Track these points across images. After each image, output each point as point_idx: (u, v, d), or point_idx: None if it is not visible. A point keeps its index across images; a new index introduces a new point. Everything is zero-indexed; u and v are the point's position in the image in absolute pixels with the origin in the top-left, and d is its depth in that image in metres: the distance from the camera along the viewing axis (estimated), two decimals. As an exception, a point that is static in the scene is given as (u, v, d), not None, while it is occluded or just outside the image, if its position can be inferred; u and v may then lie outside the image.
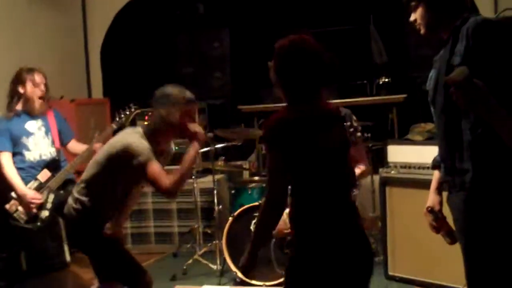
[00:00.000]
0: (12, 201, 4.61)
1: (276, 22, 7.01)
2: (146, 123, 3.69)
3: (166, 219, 6.08)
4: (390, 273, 4.67)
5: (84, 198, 3.42)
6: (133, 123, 5.85)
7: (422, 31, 2.59)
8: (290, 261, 2.53)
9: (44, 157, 4.70)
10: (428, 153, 4.31)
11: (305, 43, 2.51)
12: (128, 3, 7.09)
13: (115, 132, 4.19)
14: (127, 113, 4.63)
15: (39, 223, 4.63)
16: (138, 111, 4.78)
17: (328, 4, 6.89)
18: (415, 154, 4.47)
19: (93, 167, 3.42)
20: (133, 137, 3.31)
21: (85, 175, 3.47)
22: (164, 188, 3.28)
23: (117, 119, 4.58)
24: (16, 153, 4.66)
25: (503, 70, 2.22)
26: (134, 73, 7.05)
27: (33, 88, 4.67)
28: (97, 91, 7.31)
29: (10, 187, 4.59)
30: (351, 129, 3.20)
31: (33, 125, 4.70)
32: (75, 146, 4.87)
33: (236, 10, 7.15)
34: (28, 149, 4.66)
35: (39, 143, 4.70)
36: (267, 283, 4.68)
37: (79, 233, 3.52)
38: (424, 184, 4.16)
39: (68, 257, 5.75)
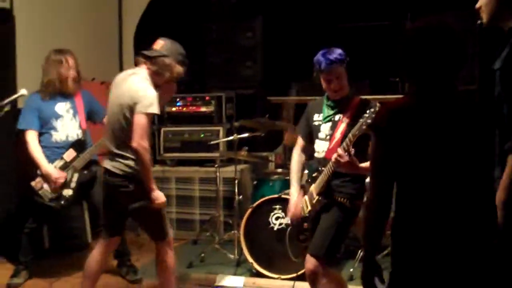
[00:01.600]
0: (38, 179, 4.71)
1: (310, 13, 6.96)
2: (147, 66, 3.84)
3: (188, 206, 6.11)
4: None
5: None
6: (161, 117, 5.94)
7: (484, 20, 2.54)
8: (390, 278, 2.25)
9: (70, 138, 4.79)
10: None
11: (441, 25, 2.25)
12: (163, -10, 7.11)
13: None
14: None
15: (62, 202, 4.70)
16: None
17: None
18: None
19: None
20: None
21: None
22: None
23: None
24: (44, 133, 4.75)
25: None
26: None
27: (65, 70, 4.74)
28: (128, 75, 7.34)
29: (36, 165, 4.67)
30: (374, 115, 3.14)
31: (62, 107, 4.79)
32: None
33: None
34: (56, 130, 4.75)
35: (67, 124, 4.79)
36: (283, 276, 4.67)
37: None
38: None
39: (89, 238, 5.85)
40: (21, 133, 4.77)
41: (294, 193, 3.69)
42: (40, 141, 4.73)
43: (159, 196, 3.79)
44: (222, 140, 5.76)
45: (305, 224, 3.60)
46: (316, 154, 3.60)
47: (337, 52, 3.45)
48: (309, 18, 7.00)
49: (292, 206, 3.67)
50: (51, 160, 4.70)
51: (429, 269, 2.10)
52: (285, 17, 7.08)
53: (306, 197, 3.60)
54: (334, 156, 3.26)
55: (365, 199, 3.42)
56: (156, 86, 3.77)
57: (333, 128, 3.51)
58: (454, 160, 2.13)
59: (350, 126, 3.36)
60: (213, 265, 5.15)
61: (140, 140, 3.61)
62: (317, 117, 3.61)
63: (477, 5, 2.60)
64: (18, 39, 5.65)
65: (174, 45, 3.87)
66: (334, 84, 3.47)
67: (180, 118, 6.30)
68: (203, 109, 6.25)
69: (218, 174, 5.61)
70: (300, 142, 3.77)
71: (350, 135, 3.22)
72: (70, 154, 4.75)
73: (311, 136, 3.66)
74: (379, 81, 6.50)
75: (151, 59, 3.78)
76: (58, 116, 4.76)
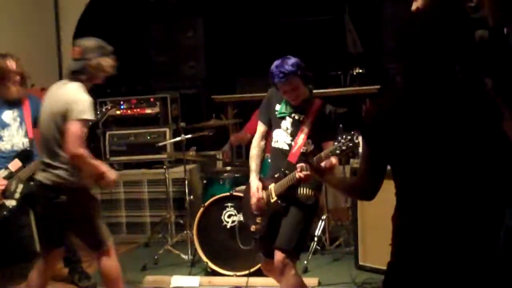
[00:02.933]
0: None
1: (250, 11, 6.99)
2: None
3: (137, 208, 6.05)
4: (361, 263, 4.70)
5: None
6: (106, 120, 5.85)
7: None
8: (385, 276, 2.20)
9: (16, 148, 4.65)
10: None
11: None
12: (100, -8, 7.00)
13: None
14: (103, 110, 4.66)
15: (5, 212, 4.56)
16: (114, 107, 4.79)
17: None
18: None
19: None
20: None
21: None
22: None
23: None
24: None
25: None
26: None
27: (7, 75, 4.59)
28: (69, 80, 7.21)
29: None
30: (351, 144, 3.14)
31: (9, 116, 4.66)
32: None
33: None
34: (1, 140, 4.62)
35: (13, 134, 4.66)
36: (238, 273, 4.68)
37: None
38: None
39: (38, 247, 5.70)
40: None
41: (254, 180, 3.67)
42: None
43: (111, 174, 3.73)
44: (171, 141, 5.71)
45: (259, 219, 3.62)
46: (273, 144, 3.63)
47: (289, 63, 3.41)
48: (249, 15, 7.03)
49: (255, 192, 3.63)
50: None
51: (425, 268, 2.01)
52: (225, 15, 7.09)
53: (264, 193, 3.61)
54: (300, 175, 3.26)
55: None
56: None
57: (294, 126, 3.54)
58: (454, 159, 1.94)
59: (312, 132, 3.45)
60: (167, 266, 5.12)
61: (73, 149, 3.50)
62: (277, 107, 3.62)
63: (290, 94, 2.83)
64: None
65: (90, 42, 3.74)
66: (290, 94, 3.48)
67: (125, 121, 6.23)
68: (148, 111, 6.19)
69: (167, 175, 5.57)
70: (261, 128, 3.75)
71: (322, 155, 3.17)
72: (15, 164, 4.62)
73: (270, 123, 3.69)
74: (321, 75, 6.58)
75: (81, 72, 3.65)
76: (4, 125, 4.63)
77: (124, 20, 7.10)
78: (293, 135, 3.54)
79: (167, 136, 6.03)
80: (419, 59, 1.99)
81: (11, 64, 4.60)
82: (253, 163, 3.70)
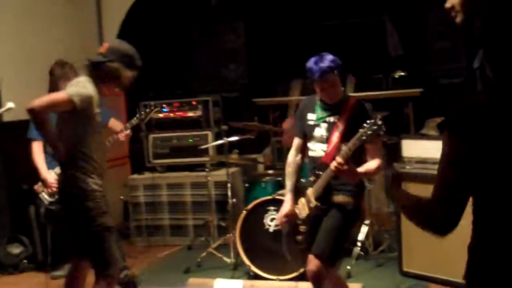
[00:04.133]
0: (40, 183, 4.83)
1: (291, 14, 6.98)
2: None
3: (180, 211, 6.10)
4: (405, 269, 4.65)
5: None
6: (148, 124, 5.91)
7: (459, 19, 2.37)
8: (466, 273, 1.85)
9: None
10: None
11: None
12: (143, -5, 7.09)
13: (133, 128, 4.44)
14: (146, 111, 4.70)
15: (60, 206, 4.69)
16: (157, 109, 4.83)
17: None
18: (430, 149, 4.44)
19: None
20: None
21: None
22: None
23: (138, 115, 4.66)
24: None
25: None
26: (149, 65, 7.04)
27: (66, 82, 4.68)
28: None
29: (29, 178, 4.76)
30: (375, 127, 3.12)
31: None
32: (114, 124, 4.78)
33: (251, 1, 7.11)
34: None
35: None
36: (281, 277, 4.68)
37: None
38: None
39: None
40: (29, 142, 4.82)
41: (287, 202, 3.65)
42: (46, 147, 4.78)
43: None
44: (213, 144, 5.74)
45: (302, 227, 3.60)
46: (311, 153, 3.60)
47: (328, 59, 3.38)
48: (290, 18, 7.03)
49: (284, 210, 3.63)
50: (52, 166, 4.73)
51: None
52: (266, 19, 7.09)
53: (304, 199, 3.59)
54: (334, 164, 3.23)
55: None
56: (104, 96, 3.55)
57: (329, 130, 3.49)
58: None
59: (347, 130, 3.36)
60: (210, 269, 5.15)
61: (35, 102, 3.21)
62: (310, 117, 3.59)
63: (448, 4, 2.50)
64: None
65: (121, 45, 3.59)
66: (328, 92, 3.45)
67: (167, 124, 6.28)
68: (190, 114, 6.24)
69: (209, 178, 5.60)
70: (296, 142, 3.74)
71: (350, 144, 3.18)
72: None
73: (305, 135, 3.68)
74: (362, 78, 6.55)
75: (97, 66, 3.48)
76: None
77: (165, 23, 7.17)
78: (329, 138, 3.48)
79: (209, 139, 6.07)
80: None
81: (71, 72, 4.68)
82: (289, 182, 3.68)
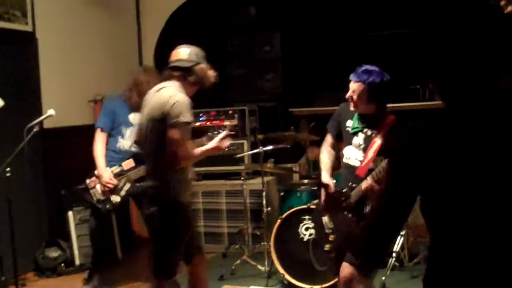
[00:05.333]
0: (93, 178, 4.82)
1: (328, 25, 6.99)
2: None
3: (215, 219, 6.13)
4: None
5: None
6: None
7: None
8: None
9: (133, 148, 4.86)
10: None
11: None
12: (181, 6, 7.17)
13: None
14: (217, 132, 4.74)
15: (108, 206, 4.77)
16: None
17: (383, 7, 6.80)
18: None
19: None
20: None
21: None
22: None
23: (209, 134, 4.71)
24: (112, 136, 4.88)
25: None
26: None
27: (137, 86, 4.77)
28: (150, 92, 7.43)
29: (66, 185, 4.76)
30: None
31: (134, 117, 4.85)
32: None
33: (288, 12, 7.14)
34: (123, 137, 4.85)
35: (134, 134, 4.83)
36: (315, 287, 4.66)
37: None
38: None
39: (120, 254, 5.89)
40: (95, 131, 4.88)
41: (325, 177, 3.66)
42: (107, 144, 4.86)
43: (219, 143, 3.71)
44: (249, 153, 5.77)
45: (331, 236, 3.59)
46: (345, 160, 3.60)
47: (368, 70, 3.38)
48: (327, 29, 7.03)
49: (324, 179, 3.62)
50: (109, 164, 4.79)
51: None
52: (302, 29, 7.12)
53: None
54: (364, 185, 3.27)
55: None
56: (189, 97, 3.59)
57: (367, 141, 3.48)
58: (500, 188, 1.61)
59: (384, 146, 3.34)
60: (244, 277, 5.17)
61: (178, 150, 3.43)
62: (349, 123, 3.59)
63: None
64: (42, 60, 5.75)
65: (199, 49, 3.71)
66: (352, 99, 3.44)
67: (204, 133, 6.31)
68: (226, 122, 6.28)
69: (244, 186, 5.62)
70: (329, 139, 3.75)
71: (383, 164, 3.18)
72: (128, 163, 4.78)
73: (338, 137, 3.67)
74: (399, 90, 6.50)
75: (189, 70, 3.60)
76: (129, 125, 4.88)
77: (202, 34, 7.25)
78: (366, 150, 3.48)
79: (245, 148, 6.10)
80: (458, 74, 1.66)
81: (143, 77, 4.77)
82: (322, 164, 3.69)
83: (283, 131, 5.87)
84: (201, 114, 6.30)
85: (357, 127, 3.54)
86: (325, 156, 3.73)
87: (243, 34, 7.18)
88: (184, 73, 3.60)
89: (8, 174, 4.50)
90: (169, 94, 3.51)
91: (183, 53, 3.65)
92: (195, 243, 3.85)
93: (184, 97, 3.49)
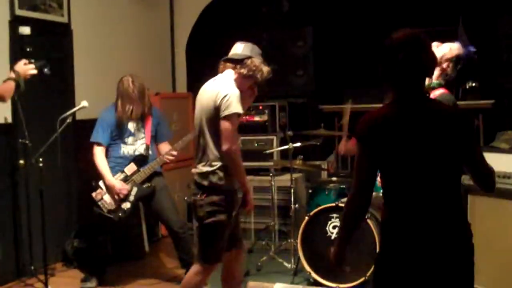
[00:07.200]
0: (98, 190, 4.84)
1: (360, 22, 6.93)
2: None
3: (243, 215, 6.11)
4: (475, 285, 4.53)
5: None
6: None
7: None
8: (375, 262, 2.49)
9: (137, 153, 4.91)
10: (514, 162, 4.17)
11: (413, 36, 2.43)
12: (213, 0, 7.19)
13: None
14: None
15: (120, 214, 4.79)
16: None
17: (416, 4, 6.73)
18: (501, 162, 4.30)
19: None
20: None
21: None
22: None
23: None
24: (114, 144, 4.91)
25: None
26: (217, 69, 7.15)
27: (129, 104, 4.83)
28: (181, 86, 7.48)
29: (99, 176, 4.80)
30: None
31: (134, 126, 4.92)
32: (164, 148, 5.02)
33: (321, 8, 7.10)
34: (126, 144, 4.88)
35: (136, 141, 4.92)
36: (341, 285, 4.64)
37: None
38: (511, 195, 4.02)
39: (147, 247, 5.94)
40: (90, 144, 4.89)
41: None
42: (108, 151, 4.89)
43: (251, 200, 3.79)
44: (278, 149, 5.77)
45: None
46: None
47: None
48: (359, 25, 6.97)
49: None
50: (114, 171, 4.83)
51: (411, 254, 2.34)
52: (335, 26, 7.07)
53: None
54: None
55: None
56: (241, 91, 3.66)
57: None
58: (432, 163, 2.33)
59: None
60: (270, 274, 5.16)
61: (227, 144, 3.52)
62: None
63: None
64: (76, 52, 5.81)
65: (255, 46, 3.79)
66: None
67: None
68: (256, 118, 6.29)
69: (273, 183, 5.62)
70: None
71: None
72: (131, 168, 4.85)
73: None
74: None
75: (241, 62, 3.67)
76: (130, 133, 4.91)
77: (235, 29, 7.25)
78: None
79: (274, 144, 6.09)
80: (404, 80, 2.39)
81: (134, 92, 4.80)
82: None
83: (313, 128, 5.84)
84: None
85: None
86: None
87: (275, 30, 7.16)
88: (235, 66, 3.70)
89: (40, 164, 4.58)
90: (220, 86, 3.63)
91: (238, 48, 3.76)
92: (238, 232, 3.93)
93: (234, 89, 3.60)
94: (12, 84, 3.99)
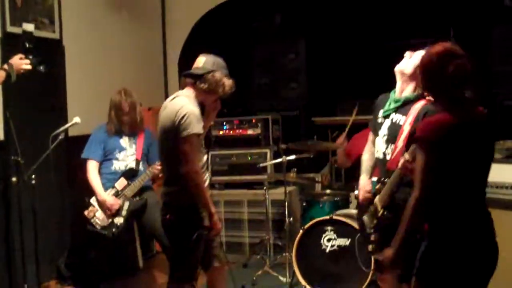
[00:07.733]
0: (90, 208, 4.85)
1: (352, 34, 6.95)
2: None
3: (237, 229, 6.12)
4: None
5: None
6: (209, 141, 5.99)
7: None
8: (422, 255, 2.71)
9: (127, 168, 4.93)
10: (507, 172, 4.17)
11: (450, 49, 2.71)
12: (206, 14, 7.20)
13: None
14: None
15: (114, 230, 4.78)
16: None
17: (408, 16, 6.76)
18: (493, 172, 4.29)
19: None
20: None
21: None
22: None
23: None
24: (106, 160, 4.94)
25: None
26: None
27: (120, 117, 4.84)
28: (174, 100, 7.46)
29: (91, 193, 4.79)
30: None
31: (126, 141, 4.97)
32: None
33: (313, 21, 7.12)
34: (117, 160, 4.91)
35: (127, 156, 4.96)
36: None
37: None
38: (504, 205, 4.02)
39: (141, 262, 5.90)
40: (83, 160, 4.93)
41: (363, 179, 3.66)
42: (100, 168, 4.91)
43: (217, 222, 3.63)
44: (272, 162, 5.76)
45: (373, 236, 3.52)
46: (376, 154, 3.57)
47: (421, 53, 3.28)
48: (352, 38, 7.00)
49: (361, 189, 3.63)
50: (106, 188, 4.84)
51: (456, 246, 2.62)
52: (328, 38, 7.09)
53: (371, 208, 3.53)
54: (401, 162, 3.09)
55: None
56: (203, 105, 3.66)
57: (392, 131, 3.40)
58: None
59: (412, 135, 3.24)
60: (265, 288, 5.14)
61: (187, 166, 3.47)
62: (380, 113, 3.54)
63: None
64: (68, 68, 5.78)
65: (218, 59, 3.73)
66: (397, 79, 3.49)
67: (227, 141, 6.34)
68: (249, 131, 6.28)
69: (267, 196, 5.60)
70: (370, 137, 3.73)
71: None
72: (121, 183, 4.85)
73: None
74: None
75: (201, 77, 3.62)
76: (121, 149, 4.96)
77: (227, 42, 7.26)
78: (388, 142, 3.42)
79: (268, 157, 6.09)
80: (454, 90, 2.69)
81: (125, 107, 4.87)
82: (363, 166, 3.70)
83: (306, 141, 5.84)
84: (224, 123, 6.31)
85: (387, 110, 3.48)
86: (366, 156, 3.74)
87: (268, 43, 7.17)
88: (196, 81, 3.64)
89: (33, 181, 4.55)
90: (179, 105, 3.55)
91: (200, 61, 3.71)
92: (212, 250, 3.83)
93: (194, 108, 3.53)
94: (2, 73, 3.98)
